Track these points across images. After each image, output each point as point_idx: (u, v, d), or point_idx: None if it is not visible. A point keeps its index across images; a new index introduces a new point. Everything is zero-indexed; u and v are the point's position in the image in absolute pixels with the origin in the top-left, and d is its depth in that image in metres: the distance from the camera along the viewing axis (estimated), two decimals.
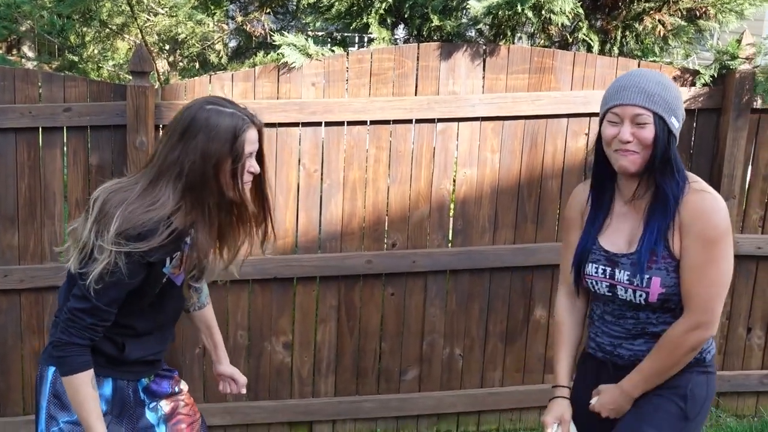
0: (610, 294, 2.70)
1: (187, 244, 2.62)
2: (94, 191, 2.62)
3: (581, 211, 2.83)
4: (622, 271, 2.65)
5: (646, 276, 2.59)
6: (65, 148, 4.20)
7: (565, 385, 2.87)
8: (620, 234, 2.68)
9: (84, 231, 2.51)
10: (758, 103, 4.58)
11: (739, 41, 4.54)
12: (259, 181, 2.70)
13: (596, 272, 2.71)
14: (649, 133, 2.53)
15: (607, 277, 2.69)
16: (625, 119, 2.55)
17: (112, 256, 2.43)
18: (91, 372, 2.56)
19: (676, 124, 2.55)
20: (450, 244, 4.61)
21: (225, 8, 5.69)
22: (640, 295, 2.62)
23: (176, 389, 2.91)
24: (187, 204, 2.52)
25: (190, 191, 2.51)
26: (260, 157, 2.66)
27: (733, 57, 4.51)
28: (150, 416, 2.80)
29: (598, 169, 2.72)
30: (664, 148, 2.54)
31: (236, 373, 3.13)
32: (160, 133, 4.16)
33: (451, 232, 4.60)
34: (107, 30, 6.23)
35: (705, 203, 2.54)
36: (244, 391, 3.14)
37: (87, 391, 2.55)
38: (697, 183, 2.60)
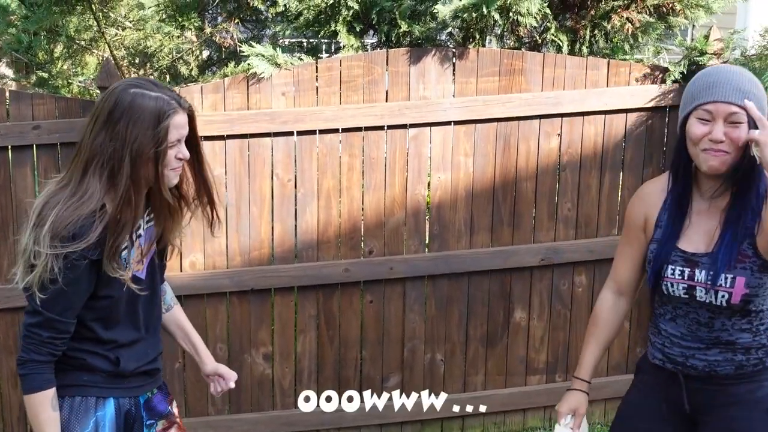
0: (686, 296, 2.58)
1: (141, 236, 2.55)
2: None
3: (650, 211, 2.70)
4: (703, 272, 2.54)
5: (730, 275, 2.49)
6: (36, 166, 4.16)
7: (586, 379, 2.84)
8: (699, 234, 2.57)
9: (23, 240, 2.41)
10: None
11: (707, 37, 4.55)
12: (197, 165, 2.59)
13: (673, 274, 2.59)
14: (743, 132, 2.41)
15: (686, 278, 2.57)
16: (718, 118, 2.43)
17: (50, 260, 2.32)
18: (52, 391, 2.46)
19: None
20: (427, 250, 4.60)
21: (193, 20, 5.65)
22: (723, 296, 2.51)
23: (172, 410, 2.82)
24: (115, 193, 2.40)
25: (115, 179, 2.39)
26: (194, 142, 2.54)
27: (702, 53, 4.53)
28: None
29: (682, 168, 2.59)
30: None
31: (222, 369, 2.98)
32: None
33: (427, 237, 4.59)
34: (75, 45, 6.19)
35: None
36: (233, 384, 3.01)
37: (47, 412, 2.45)
38: None
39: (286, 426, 4.56)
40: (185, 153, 2.50)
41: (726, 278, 2.49)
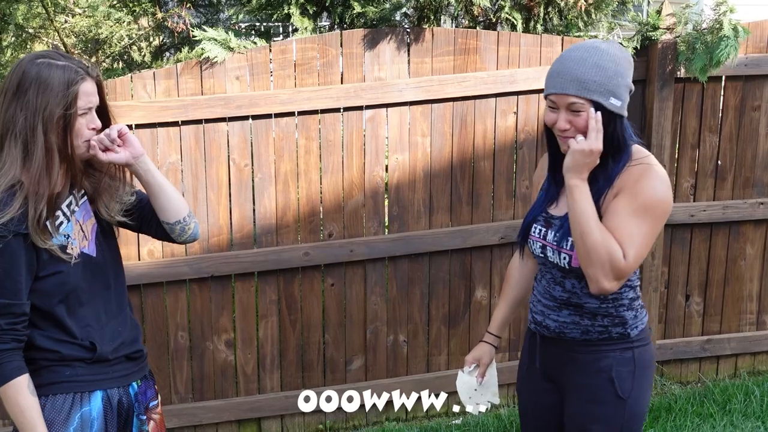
0: (542, 256, 2.72)
1: (75, 212, 2.51)
2: None
3: (543, 178, 2.84)
4: (552, 232, 2.67)
5: (571, 239, 2.59)
6: None
7: (494, 333, 3.08)
8: (565, 201, 2.66)
9: None
10: (682, 73, 4.63)
11: (659, 12, 4.58)
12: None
13: (533, 232, 2.74)
14: (583, 120, 2.50)
15: (541, 237, 2.71)
16: (561, 107, 2.53)
17: None
18: (26, 377, 2.40)
19: (616, 103, 2.49)
20: (387, 231, 4.59)
21: (144, 5, 5.58)
22: (564, 258, 2.62)
23: (156, 402, 2.76)
24: (30, 163, 2.38)
25: (29, 149, 2.37)
26: (104, 112, 2.52)
27: (654, 28, 4.56)
28: (135, 424, 2.65)
29: (550, 145, 2.70)
30: (608, 133, 2.51)
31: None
32: None
33: (387, 218, 4.58)
34: (24, 34, 6.08)
35: (643, 172, 2.52)
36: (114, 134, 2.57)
37: (26, 398, 2.39)
38: (645, 158, 2.57)
39: (251, 412, 4.54)
40: (97, 122, 2.49)
41: (568, 241, 2.61)
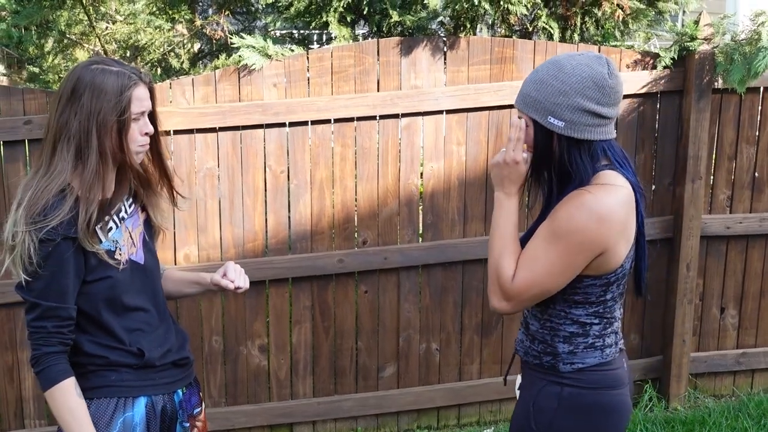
0: None
1: (125, 218, 2.55)
2: None
3: None
4: None
5: None
6: (28, 161, 4.15)
7: None
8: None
9: (7, 227, 2.41)
10: (719, 84, 4.60)
11: (697, 22, 4.56)
12: (154, 142, 2.59)
13: None
14: (528, 136, 2.41)
15: None
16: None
17: (26, 239, 2.33)
18: (73, 380, 2.42)
19: (556, 123, 2.34)
20: (421, 239, 4.60)
21: (183, 12, 5.64)
22: None
23: (200, 409, 2.77)
24: (83, 168, 2.41)
25: (83, 154, 2.41)
26: (154, 119, 2.56)
27: (692, 38, 4.53)
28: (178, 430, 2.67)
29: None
30: (541, 150, 2.40)
31: (226, 268, 2.79)
32: None
33: (421, 226, 4.59)
34: (66, 40, 6.17)
35: (570, 198, 2.36)
36: (241, 284, 2.75)
37: (73, 400, 2.41)
38: (591, 187, 2.36)
39: (283, 417, 4.57)
40: (150, 128, 2.52)
41: None
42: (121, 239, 2.53)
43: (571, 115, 2.33)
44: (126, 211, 2.57)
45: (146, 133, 2.51)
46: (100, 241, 2.46)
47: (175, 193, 2.73)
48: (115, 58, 2.58)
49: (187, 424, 2.68)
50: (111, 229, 2.50)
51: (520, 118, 2.43)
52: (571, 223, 2.32)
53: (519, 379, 2.76)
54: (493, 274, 2.43)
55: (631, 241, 2.42)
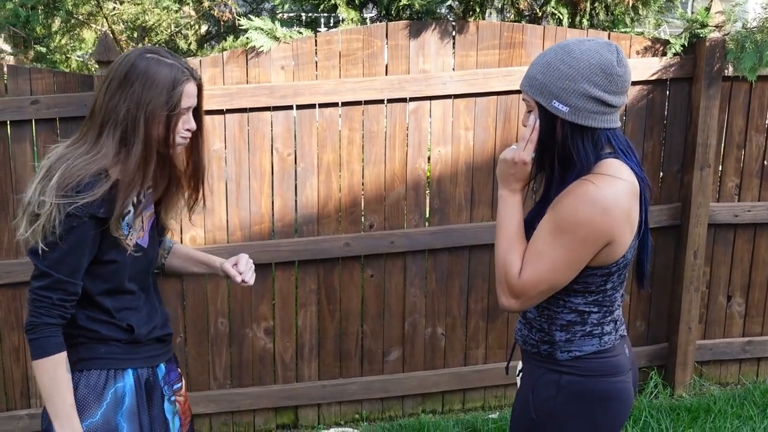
0: None
1: (142, 202, 2.56)
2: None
3: None
4: None
5: None
6: (35, 141, 4.15)
7: None
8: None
9: (28, 194, 2.42)
10: (729, 71, 4.58)
11: (708, 9, 4.53)
12: (196, 142, 2.61)
13: None
14: (531, 119, 2.39)
15: None
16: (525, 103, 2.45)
17: (53, 211, 2.34)
18: (65, 355, 2.45)
19: (560, 107, 2.31)
20: (427, 224, 4.60)
21: None
22: None
23: (180, 384, 2.80)
24: (126, 154, 2.43)
25: (126, 141, 2.43)
26: (198, 117, 2.58)
27: (703, 25, 4.51)
28: (167, 408, 2.70)
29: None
30: (544, 135, 2.37)
31: (237, 259, 2.82)
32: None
33: (428, 211, 4.58)
34: (73, 20, 6.15)
35: (573, 189, 2.32)
36: (247, 279, 2.80)
37: (63, 374, 2.44)
38: (594, 176, 2.32)
39: (288, 400, 4.57)
40: (192, 124, 2.53)
41: None
42: (134, 223, 2.55)
43: (576, 100, 2.30)
44: (144, 195, 2.58)
45: (188, 129, 2.52)
46: (121, 227, 2.48)
47: (197, 198, 2.74)
48: (169, 51, 2.56)
49: (174, 398, 2.72)
50: (128, 213, 2.52)
51: (525, 100, 2.40)
52: (576, 216, 2.28)
53: (520, 365, 2.75)
54: (501, 272, 2.40)
55: (635, 230, 2.39)
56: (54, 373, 2.44)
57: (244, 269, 2.76)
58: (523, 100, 2.41)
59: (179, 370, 2.83)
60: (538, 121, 2.38)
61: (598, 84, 2.30)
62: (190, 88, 2.48)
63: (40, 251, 2.40)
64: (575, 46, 2.34)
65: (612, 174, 2.32)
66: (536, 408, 2.47)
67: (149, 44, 2.37)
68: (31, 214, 2.40)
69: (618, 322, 2.53)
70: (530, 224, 2.46)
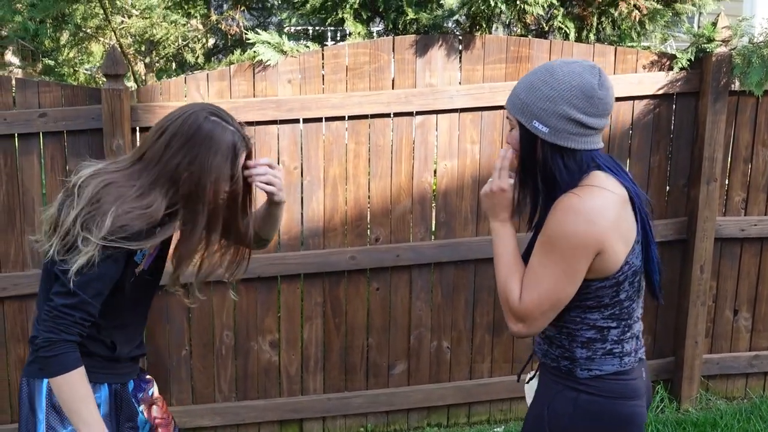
0: None
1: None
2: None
3: None
4: None
5: None
6: (42, 154, 4.17)
7: None
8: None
9: (68, 218, 2.44)
10: (736, 86, 4.58)
11: (714, 24, 4.54)
12: (243, 204, 2.69)
13: None
14: (513, 138, 2.44)
15: None
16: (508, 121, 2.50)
17: (98, 251, 2.39)
18: (83, 369, 2.50)
19: (540, 128, 2.33)
20: (433, 237, 4.60)
21: (199, 7, 5.64)
22: None
23: (152, 391, 2.87)
24: (180, 212, 2.51)
25: (185, 201, 2.49)
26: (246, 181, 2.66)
27: (710, 40, 4.51)
28: (140, 420, 2.77)
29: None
30: (525, 154, 2.40)
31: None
32: (139, 135, 4.14)
33: (434, 224, 4.59)
34: (81, 33, 6.18)
35: (557, 204, 2.34)
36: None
37: (85, 387, 2.50)
38: (577, 189, 2.34)
39: (293, 413, 4.57)
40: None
41: None
42: (146, 252, 2.61)
43: (555, 122, 2.32)
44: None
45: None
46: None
47: (239, 260, 2.83)
48: (227, 112, 2.58)
49: (143, 407, 2.79)
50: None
51: (508, 118, 2.44)
52: (561, 229, 2.30)
53: (530, 374, 2.79)
54: (504, 301, 2.43)
55: (630, 242, 2.39)
56: (78, 387, 2.49)
57: (258, 171, 2.66)
58: (507, 118, 2.45)
59: (148, 377, 2.90)
60: (509, 151, 2.45)
61: (578, 107, 2.31)
62: (244, 156, 2.56)
63: (72, 271, 2.43)
64: (559, 68, 2.36)
65: (596, 185, 2.34)
66: (550, 423, 2.48)
67: (209, 105, 2.37)
68: (68, 242, 2.45)
69: (638, 341, 2.54)
70: (530, 251, 2.47)
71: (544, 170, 2.38)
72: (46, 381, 2.58)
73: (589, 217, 2.29)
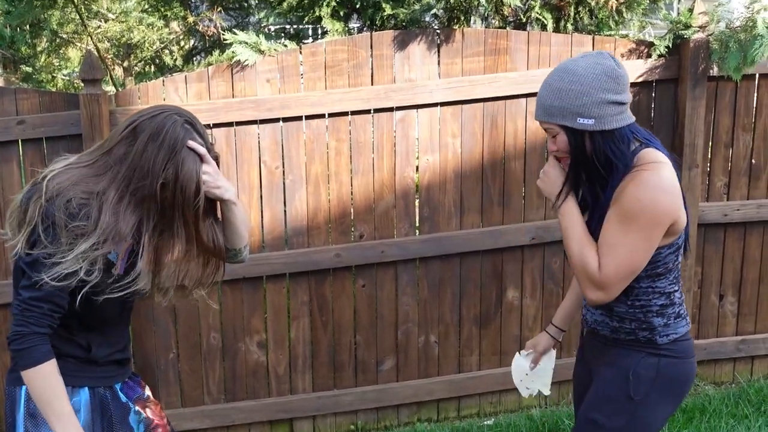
0: None
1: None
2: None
3: None
4: None
5: None
6: (22, 161, 4.14)
7: (556, 324, 3.13)
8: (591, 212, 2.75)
9: (35, 213, 2.42)
10: (715, 71, 4.59)
11: (691, 10, 4.54)
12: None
13: None
14: (561, 143, 2.58)
15: None
16: (546, 132, 2.65)
17: (51, 230, 2.37)
18: (55, 361, 2.46)
19: (586, 122, 2.51)
20: (418, 232, 4.59)
21: (176, 9, 5.61)
22: None
23: (146, 394, 2.85)
24: (152, 217, 2.47)
25: (156, 205, 2.45)
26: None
27: (687, 26, 4.52)
28: (132, 419, 2.73)
29: None
30: (577, 152, 2.57)
31: None
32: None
33: (417, 219, 4.58)
34: (58, 39, 6.15)
35: (630, 180, 2.51)
36: None
37: (56, 379, 2.45)
38: (642, 165, 2.53)
39: (283, 412, 4.56)
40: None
41: None
42: (120, 254, 2.55)
43: (597, 110, 2.50)
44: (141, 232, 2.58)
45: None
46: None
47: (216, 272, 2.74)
48: (200, 122, 2.57)
49: (137, 408, 2.75)
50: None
51: (547, 130, 2.60)
52: (640, 203, 2.47)
53: (553, 354, 3.14)
54: (581, 271, 2.57)
55: (683, 207, 2.59)
56: (49, 380, 2.45)
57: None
58: (545, 129, 2.61)
59: (141, 381, 2.86)
60: (552, 158, 2.66)
61: (610, 89, 2.52)
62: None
63: (33, 263, 2.41)
64: (574, 65, 2.55)
65: (657, 160, 2.54)
66: (635, 388, 2.66)
67: (185, 112, 2.33)
68: (34, 236, 2.43)
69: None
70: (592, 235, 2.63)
71: (599, 158, 2.56)
72: (24, 388, 2.54)
73: (667, 190, 2.49)
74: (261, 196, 4.35)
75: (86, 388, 2.63)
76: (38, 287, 2.42)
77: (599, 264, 2.53)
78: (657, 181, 2.49)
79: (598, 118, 2.51)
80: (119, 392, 2.72)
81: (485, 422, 4.70)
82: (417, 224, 4.59)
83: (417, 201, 4.56)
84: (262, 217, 4.37)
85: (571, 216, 2.65)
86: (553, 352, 3.17)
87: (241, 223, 2.71)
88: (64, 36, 6.21)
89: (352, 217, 4.49)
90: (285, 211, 4.40)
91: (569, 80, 2.52)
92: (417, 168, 4.54)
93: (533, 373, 3.18)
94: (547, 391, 3.19)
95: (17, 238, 2.46)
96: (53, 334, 2.52)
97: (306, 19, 4.87)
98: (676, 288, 2.69)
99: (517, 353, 3.22)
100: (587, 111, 2.51)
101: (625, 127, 2.56)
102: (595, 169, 2.58)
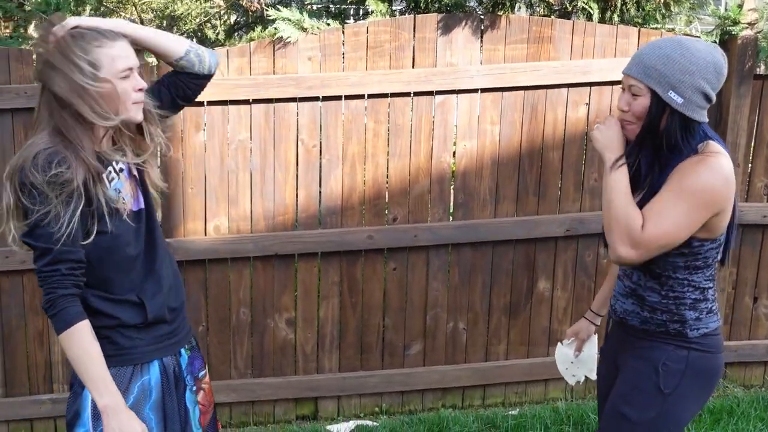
0: None
1: (123, 170, 2.56)
2: None
3: None
4: None
5: None
6: None
7: (594, 310, 3.18)
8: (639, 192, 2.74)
9: (9, 191, 2.41)
10: (761, 69, 4.53)
11: (740, 6, 4.47)
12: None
13: None
14: (639, 105, 2.57)
15: None
16: (626, 88, 2.61)
17: (43, 200, 2.36)
18: (87, 322, 2.42)
19: (675, 98, 2.50)
20: (451, 218, 4.58)
21: None
22: None
23: (204, 372, 2.81)
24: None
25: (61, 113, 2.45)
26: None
27: (735, 22, 4.45)
28: (189, 398, 2.71)
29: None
30: (653, 122, 2.55)
31: None
32: None
33: (452, 205, 4.57)
34: (103, 8, 6.18)
35: (696, 161, 2.53)
36: None
37: (89, 341, 2.41)
38: (710, 153, 2.54)
39: (308, 391, 4.58)
40: (141, 83, 2.53)
41: None
42: (124, 188, 2.54)
43: (690, 93, 2.51)
44: (121, 162, 2.57)
45: (140, 89, 2.52)
46: (107, 190, 2.48)
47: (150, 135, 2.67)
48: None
49: (195, 387, 2.73)
50: (113, 179, 2.52)
51: (633, 86, 2.56)
52: (700, 183, 2.49)
53: (595, 339, 3.18)
54: (621, 226, 2.55)
55: (732, 207, 2.61)
56: (81, 342, 2.41)
57: None
58: (630, 86, 2.57)
59: (203, 358, 2.84)
60: (614, 119, 2.65)
61: (710, 81, 2.53)
62: (117, 50, 2.48)
63: (30, 232, 2.40)
64: (691, 43, 2.55)
65: (722, 152, 2.55)
66: (665, 381, 2.67)
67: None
68: (19, 213, 2.43)
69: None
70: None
71: (669, 138, 2.56)
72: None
73: (725, 178, 2.52)
74: (297, 174, 4.35)
75: (156, 362, 2.60)
76: (47, 252, 2.39)
77: (643, 224, 2.53)
78: (719, 168, 2.51)
79: (688, 101, 2.51)
80: (183, 367, 2.69)
81: (510, 412, 4.69)
82: (451, 210, 4.58)
83: (452, 187, 4.54)
84: (297, 195, 4.37)
85: (620, 174, 2.61)
86: (595, 337, 3.20)
87: (157, 40, 2.70)
88: (109, 5, 6.24)
89: (386, 200, 4.48)
90: (320, 190, 4.40)
91: (681, 53, 2.51)
92: (453, 154, 4.52)
93: (578, 360, 3.23)
94: (594, 376, 3.20)
95: (9, 225, 2.44)
96: (107, 305, 2.51)
97: None
98: (711, 285, 2.70)
99: (559, 343, 3.26)
100: (682, 89, 2.51)
101: (702, 123, 2.58)
102: (660, 146, 2.58)
